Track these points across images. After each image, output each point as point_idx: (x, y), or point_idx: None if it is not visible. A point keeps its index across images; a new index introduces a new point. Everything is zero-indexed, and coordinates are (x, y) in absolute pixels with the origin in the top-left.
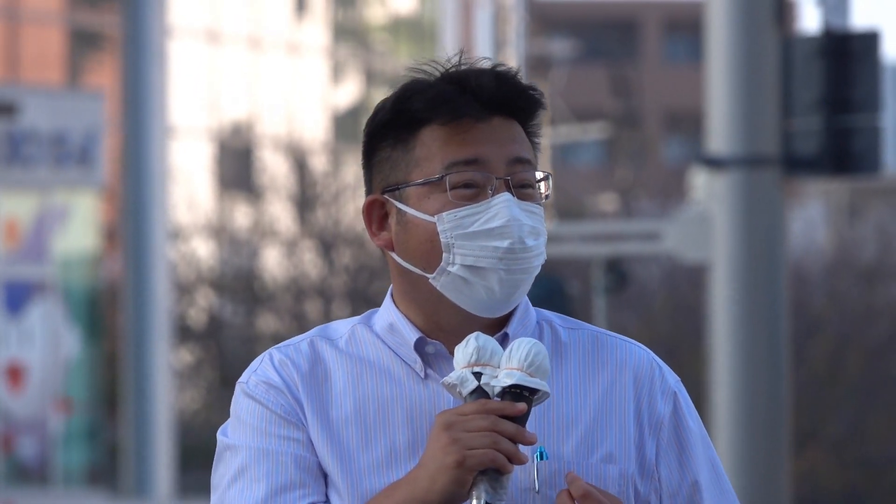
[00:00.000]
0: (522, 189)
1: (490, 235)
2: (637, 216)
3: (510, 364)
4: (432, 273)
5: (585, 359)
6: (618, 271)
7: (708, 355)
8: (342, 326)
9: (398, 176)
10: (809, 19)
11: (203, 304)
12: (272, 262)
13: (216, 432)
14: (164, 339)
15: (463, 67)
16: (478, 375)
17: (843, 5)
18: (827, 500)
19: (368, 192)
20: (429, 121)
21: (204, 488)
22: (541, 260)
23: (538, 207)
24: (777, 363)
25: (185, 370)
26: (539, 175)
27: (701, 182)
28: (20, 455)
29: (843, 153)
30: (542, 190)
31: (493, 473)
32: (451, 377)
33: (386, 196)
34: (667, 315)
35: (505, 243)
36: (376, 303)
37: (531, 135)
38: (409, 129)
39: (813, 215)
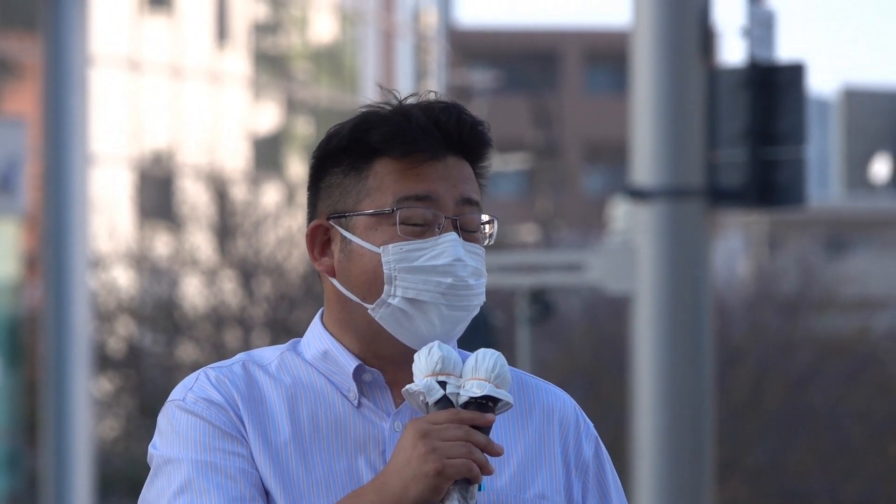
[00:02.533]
0: (468, 230)
1: (434, 272)
2: (557, 247)
3: (477, 375)
4: (371, 304)
5: (514, 399)
6: (542, 302)
7: (629, 386)
8: (269, 353)
9: (347, 203)
10: (734, 51)
11: (123, 332)
12: (192, 292)
13: (135, 461)
14: (84, 367)
15: (420, 101)
16: (442, 384)
17: (769, 37)
18: None
19: (312, 214)
20: (384, 153)
21: None
22: (480, 300)
23: (481, 249)
24: (700, 394)
25: (104, 399)
26: (485, 218)
27: (621, 213)
28: None
29: (768, 185)
30: (487, 231)
31: (464, 483)
32: (417, 385)
33: (331, 222)
34: (588, 346)
35: (448, 280)
36: (296, 332)
37: (479, 176)
38: (365, 158)
39: (733, 247)
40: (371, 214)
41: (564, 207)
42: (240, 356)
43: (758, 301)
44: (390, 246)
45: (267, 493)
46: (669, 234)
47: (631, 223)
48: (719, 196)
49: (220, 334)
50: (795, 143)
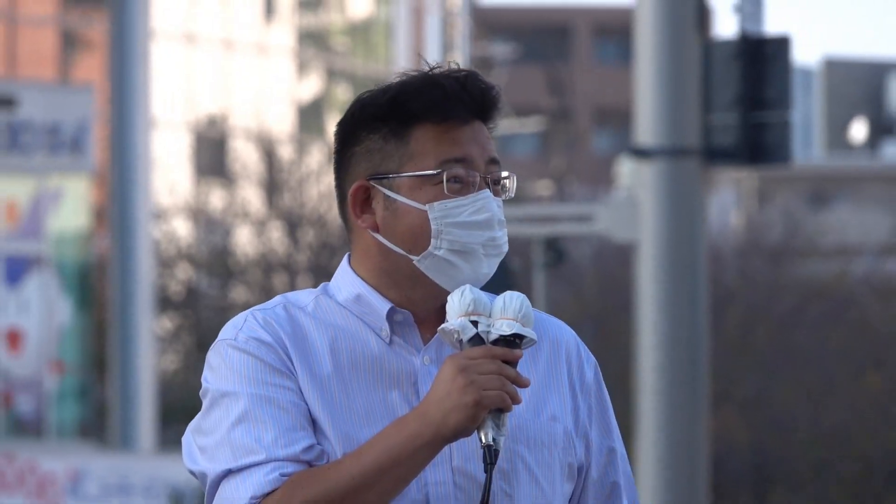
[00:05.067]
0: (496, 185)
1: (476, 226)
2: (570, 200)
3: (506, 315)
4: (417, 255)
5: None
6: (556, 249)
7: (633, 326)
8: (304, 296)
9: (390, 166)
10: (727, 25)
11: (182, 277)
12: (243, 240)
13: (193, 391)
14: (147, 308)
15: (447, 71)
16: (474, 323)
17: (758, 13)
18: (738, 455)
19: (344, 176)
20: (423, 119)
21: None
22: (506, 247)
23: (502, 202)
24: (696, 333)
25: (165, 336)
26: (505, 174)
27: (626, 170)
28: (18, 411)
29: (757, 145)
30: (507, 185)
31: (496, 412)
32: (452, 324)
33: (373, 183)
34: (596, 290)
35: (487, 234)
36: None
37: (490, 132)
38: (404, 125)
39: (725, 200)
40: (418, 176)
41: (576, 165)
42: (278, 299)
43: (747, 249)
44: (436, 204)
45: (314, 422)
46: (669, 189)
47: (635, 179)
48: (713, 155)
49: (268, 279)
50: (782, 108)
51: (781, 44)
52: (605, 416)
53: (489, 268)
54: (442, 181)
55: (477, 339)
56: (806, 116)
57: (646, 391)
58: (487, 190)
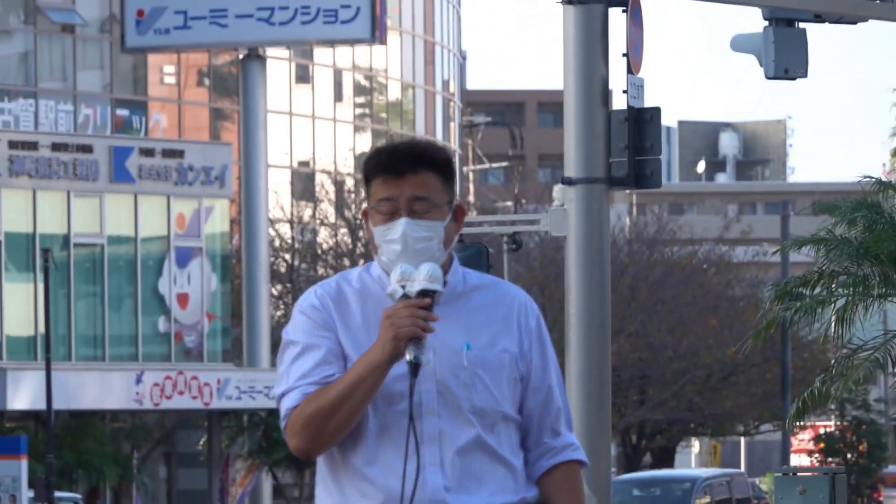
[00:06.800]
0: (418, 214)
1: (392, 242)
2: (524, 211)
3: (419, 278)
4: (377, 255)
5: (490, 292)
6: (516, 241)
7: (564, 288)
8: (353, 273)
9: (368, 202)
10: (621, 101)
11: (286, 260)
12: (323, 238)
13: None
14: (265, 280)
15: (400, 141)
16: (403, 287)
17: (640, 94)
18: (629, 367)
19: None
20: (375, 174)
21: None
22: (431, 251)
23: (430, 223)
24: (602, 291)
25: (276, 297)
26: (424, 207)
27: (559, 192)
28: (186, 344)
29: (639, 176)
30: (447, 212)
31: (416, 340)
32: (390, 289)
33: (367, 209)
34: (541, 266)
35: (398, 247)
36: None
37: (447, 177)
38: (370, 177)
39: (620, 209)
40: (370, 209)
41: (527, 190)
42: (338, 275)
43: (633, 239)
44: (375, 228)
45: (347, 357)
46: (585, 204)
47: (565, 198)
48: (612, 182)
49: (339, 262)
50: (654, 153)
51: (654, 112)
52: (544, 349)
53: (414, 266)
54: (376, 213)
55: (404, 297)
56: (669, 158)
57: (572, 328)
58: (405, 218)
